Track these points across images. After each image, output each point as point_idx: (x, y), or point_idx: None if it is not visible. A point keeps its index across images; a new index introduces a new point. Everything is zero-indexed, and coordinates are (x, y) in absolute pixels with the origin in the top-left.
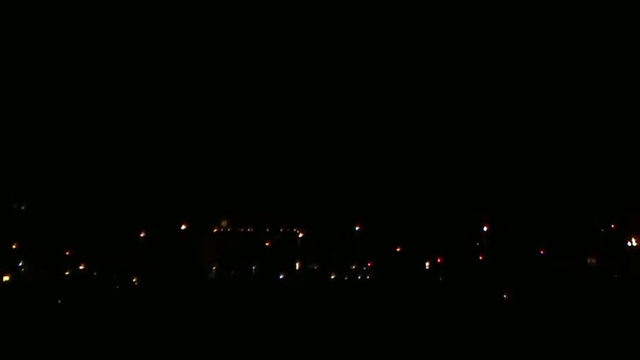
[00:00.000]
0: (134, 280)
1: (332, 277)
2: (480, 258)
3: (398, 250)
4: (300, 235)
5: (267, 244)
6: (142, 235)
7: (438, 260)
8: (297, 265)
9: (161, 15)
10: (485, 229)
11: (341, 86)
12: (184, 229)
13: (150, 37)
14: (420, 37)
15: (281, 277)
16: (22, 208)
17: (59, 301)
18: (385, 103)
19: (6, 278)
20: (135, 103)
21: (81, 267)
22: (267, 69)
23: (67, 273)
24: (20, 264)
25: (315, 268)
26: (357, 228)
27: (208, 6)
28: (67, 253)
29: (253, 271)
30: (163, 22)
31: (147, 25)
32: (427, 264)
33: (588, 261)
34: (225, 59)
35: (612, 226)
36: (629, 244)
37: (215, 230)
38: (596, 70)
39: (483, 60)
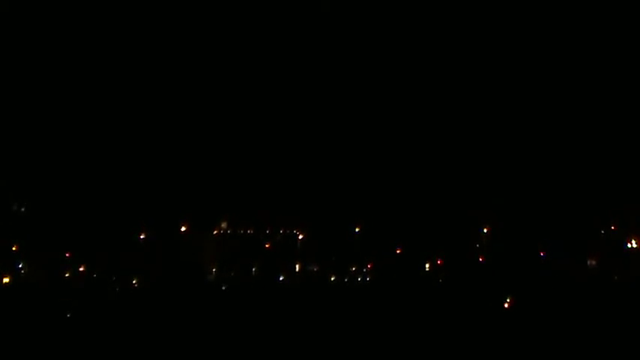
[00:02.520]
0: (134, 281)
1: (332, 278)
2: (480, 259)
3: (398, 251)
4: (300, 237)
5: (267, 245)
6: (141, 236)
7: (438, 262)
8: (297, 266)
9: (161, 15)
10: (485, 230)
11: (340, 86)
12: (184, 231)
13: (150, 37)
14: (420, 37)
15: (281, 278)
16: (23, 209)
17: (59, 303)
18: (385, 104)
19: (6, 280)
20: (134, 103)
21: (81, 268)
22: (267, 69)
23: (67, 274)
24: (20, 265)
25: (315, 269)
26: (357, 229)
27: (208, 6)
28: (67, 255)
29: (253, 273)
30: (163, 22)
31: (147, 25)
32: (427, 265)
33: (588, 262)
34: (225, 59)
35: (612, 227)
36: (629, 245)
37: (215, 232)
38: (596, 70)
39: (483, 60)
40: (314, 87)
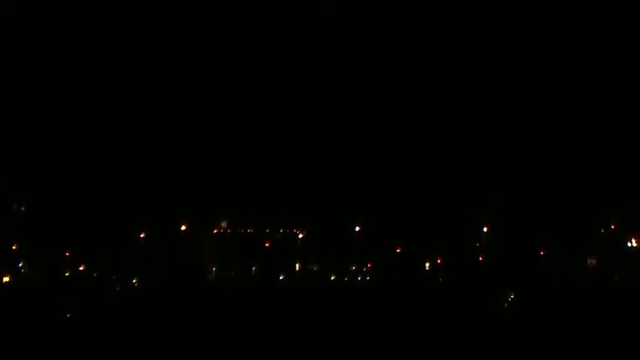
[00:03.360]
0: (134, 280)
1: (332, 277)
2: (480, 259)
3: (398, 250)
4: (300, 236)
5: (266, 244)
6: (141, 235)
7: (438, 261)
8: (297, 265)
9: (161, 15)
10: (485, 229)
11: (340, 86)
12: (184, 230)
13: (150, 37)
14: (420, 37)
15: (281, 277)
16: (22, 208)
17: (59, 302)
18: (385, 103)
19: (6, 279)
20: (134, 103)
21: (81, 268)
22: (267, 69)
23: (67, 274)
24: (20, 265)
25: (315, 268)
26: (357, 229)
27: (208, 6)
28: (67, 254)
29: (253, 272)
30: (163, 22)
31: (147, 25)
32: (427, 265)
33: (588, 261)
34: (225, 59)
35: (612, 226)
36: (629, 244)
37: (215, 231)
38: (596, 70)
39: (483, 60)
40: (313, 87)
